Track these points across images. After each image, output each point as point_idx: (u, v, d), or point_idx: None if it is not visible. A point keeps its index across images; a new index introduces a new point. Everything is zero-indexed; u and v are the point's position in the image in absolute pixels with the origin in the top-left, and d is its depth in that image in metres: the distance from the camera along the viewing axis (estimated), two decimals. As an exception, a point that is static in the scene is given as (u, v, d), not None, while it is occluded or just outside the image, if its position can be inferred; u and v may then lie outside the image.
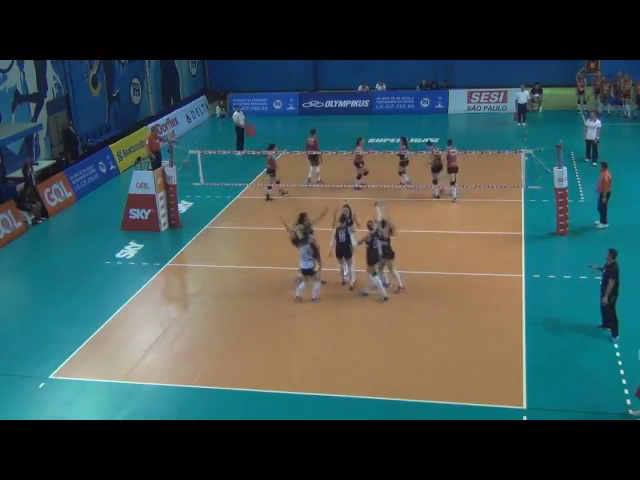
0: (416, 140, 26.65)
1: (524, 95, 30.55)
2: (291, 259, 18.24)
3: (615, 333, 14.00)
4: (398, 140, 23.92)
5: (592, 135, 24.40)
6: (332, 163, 24.16)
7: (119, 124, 30.58)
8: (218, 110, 35.42)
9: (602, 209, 19.31)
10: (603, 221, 19.39)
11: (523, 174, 20.00)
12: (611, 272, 13.75)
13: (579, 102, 32.40)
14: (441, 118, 33.48)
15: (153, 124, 29.32)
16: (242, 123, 28.15)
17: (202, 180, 21.40)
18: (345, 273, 16.75)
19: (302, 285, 16.14)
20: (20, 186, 22.84)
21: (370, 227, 15.93)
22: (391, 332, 14.87)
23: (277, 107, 35.73)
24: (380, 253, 15.85)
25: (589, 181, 22.93)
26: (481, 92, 33.90)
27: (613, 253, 13.77)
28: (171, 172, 20.99)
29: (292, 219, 16.39)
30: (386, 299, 15.94)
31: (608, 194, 19.11)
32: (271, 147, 22.94)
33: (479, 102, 33.94)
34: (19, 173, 23.50)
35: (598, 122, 24.39)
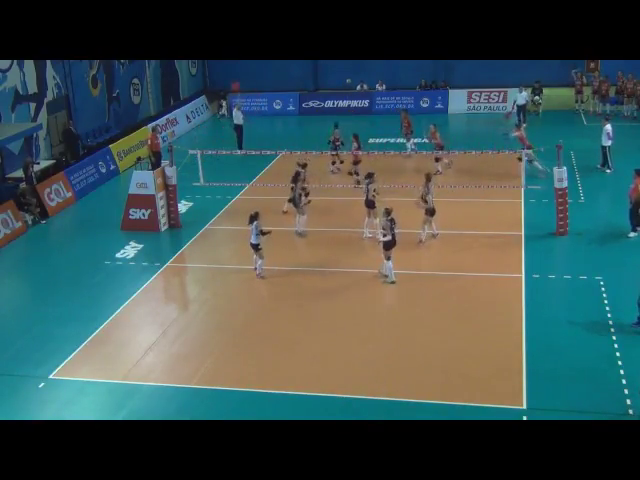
0: (417, 140, 26.67)
1: (522, 96, 30.41)
2: (291, 259, 18.29)
3: None
4: (398, 140, 23.86)
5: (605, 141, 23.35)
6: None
7: (119, 124, 30.56)
8: (225, 108, 35.19)
9: (633, 217, 18.65)
10: (634, 229, 18.70)
11: (523, 174, 19.98)
12: None
13: (577, 101, 32.41)
14: (441, 118, 33.36)
15: (153, 124, 29.35)
16: (241, 121, 28.19)
17: (202, 180, 21.38)
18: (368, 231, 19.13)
19: (255, 258, 17.46)
20: (21, 185, 22.82)
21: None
22: (391, 332, 14.87)
23: (277, 107, 35.71)
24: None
25: (589, 181, 22.96)
26: (481, 92, 33.87)
27: None
28: (171, 172, 20.97)
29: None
30: (393, 282, 16.70)
31: (637, 202, 18.45)
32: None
33: (479, 102, 33.92)
34: (19, 173, 23.49)
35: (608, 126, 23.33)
